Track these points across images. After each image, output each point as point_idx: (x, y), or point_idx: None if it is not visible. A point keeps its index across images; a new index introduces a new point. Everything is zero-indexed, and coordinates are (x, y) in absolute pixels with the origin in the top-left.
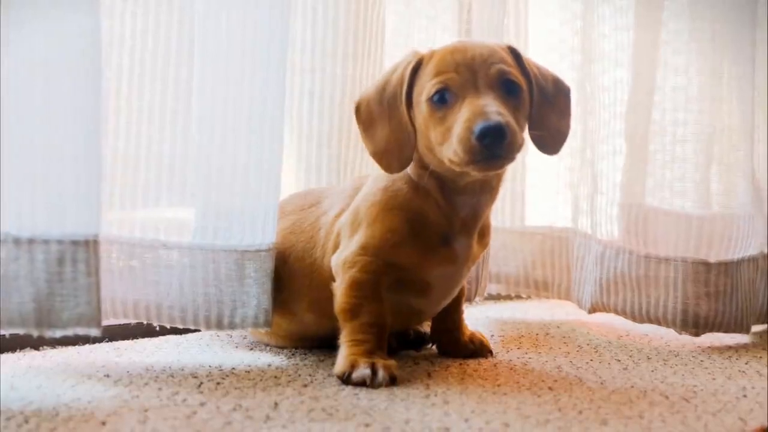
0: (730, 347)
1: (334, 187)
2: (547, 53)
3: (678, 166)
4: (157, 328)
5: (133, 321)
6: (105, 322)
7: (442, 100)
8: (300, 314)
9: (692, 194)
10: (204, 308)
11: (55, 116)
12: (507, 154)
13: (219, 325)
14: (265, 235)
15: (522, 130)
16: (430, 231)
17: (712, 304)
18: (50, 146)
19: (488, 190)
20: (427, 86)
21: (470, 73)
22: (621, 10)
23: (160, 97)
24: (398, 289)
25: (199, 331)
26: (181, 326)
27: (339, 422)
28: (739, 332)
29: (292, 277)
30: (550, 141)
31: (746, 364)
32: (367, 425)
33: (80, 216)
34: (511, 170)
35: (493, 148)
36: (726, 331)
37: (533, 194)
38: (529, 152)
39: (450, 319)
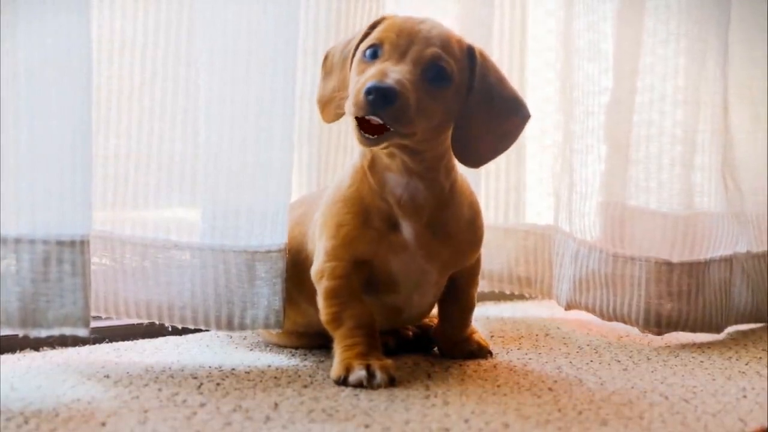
0: (729, 348)
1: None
2: (544, 52)
3: (646, 165)
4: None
5: (146, 321)
6: (109, 323)
7: (373, 55)
8: (301, 304)
9: (666, 194)
10: (215, 309)
11: (41, 117)
12: (390, 122)
13: (230, 326)
14: (275, 235)
15: (431, 119)
16: (374, 214)
17: (676, 304)
18: (38, 147)
19: (417, 174)
20: (366, 40)
21: (407, 42)
22: (603, 17)
23: (171, 97)
24: (370, 289)
25: (200, 331)
26: (192, 326)
27: (339, 423)
28: (708, 332)
29: (293, 268)
30: (468, 152)
31: (746, 364)
32: (366, 426)
33: (67, 216)
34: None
35: (375, 107)
36: (692, 331)
37: (524, 193)
38: (527, 152)
39: (453, 324)
